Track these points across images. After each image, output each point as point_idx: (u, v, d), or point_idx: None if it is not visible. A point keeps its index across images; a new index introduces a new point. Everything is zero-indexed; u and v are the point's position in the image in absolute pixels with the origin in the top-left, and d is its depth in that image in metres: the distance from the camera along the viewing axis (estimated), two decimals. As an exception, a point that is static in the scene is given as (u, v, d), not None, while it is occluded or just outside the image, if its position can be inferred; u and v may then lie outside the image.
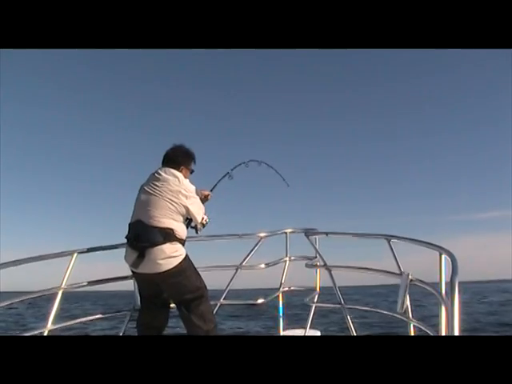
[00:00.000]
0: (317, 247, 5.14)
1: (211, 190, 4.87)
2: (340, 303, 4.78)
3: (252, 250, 5.08)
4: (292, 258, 5.28)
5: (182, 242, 4.05)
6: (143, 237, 3.90)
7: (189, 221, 4.30)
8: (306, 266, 5.27)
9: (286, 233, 5.24)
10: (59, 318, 4.19)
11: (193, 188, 4.18)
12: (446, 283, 3.18)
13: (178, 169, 4.21)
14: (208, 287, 4.18)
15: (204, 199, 4.60)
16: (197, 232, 4.47)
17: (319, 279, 5.28)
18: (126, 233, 4.06)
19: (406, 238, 4.13)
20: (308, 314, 5.22)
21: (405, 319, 3.81)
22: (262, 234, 5.10)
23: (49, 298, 4.20)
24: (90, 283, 4.49)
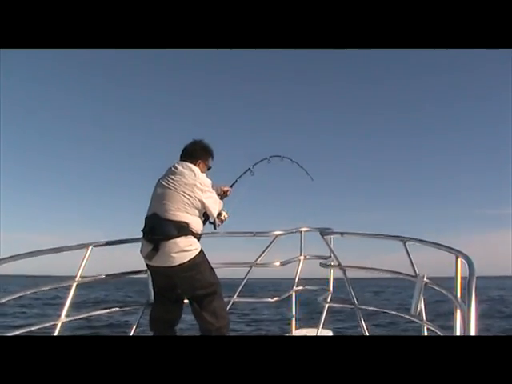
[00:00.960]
0: (331, 247, 5.12)
1: (231, 186, 4.86)
2: (353, 303, 4.76)
3: (267, 248, 5.08)
4: (306, 256, 5.28)
5: (198, 236, 4.05)
6: (158, 230, 3.92)
7: (207, 216, 4.30)
8: (321, 265, 5.26)
9: (300, 232, 5.23)
10: (74, 308, 4.23)
11: (209, 182, 4.17)
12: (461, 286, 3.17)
13: (195, 163, 4.21)
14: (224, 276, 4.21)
15: (223, 195, 4.61)
16: (215, 228, 4.48)
17: (332, 279, 5.27)
18: (143, 226, 4.08)
19: (422, 241, 4.09)
20: (321, 314, 5.20)
21: (419, 322, 3.78)
22: (277, 232, 5.09)
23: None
24: (105, 277, 4.52)
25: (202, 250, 4.06)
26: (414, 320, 3.83)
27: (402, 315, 4.17)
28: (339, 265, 4.94)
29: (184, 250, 3.90)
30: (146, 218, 4.09)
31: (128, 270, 4.67)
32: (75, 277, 4.20)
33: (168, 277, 4.03)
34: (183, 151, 4.33)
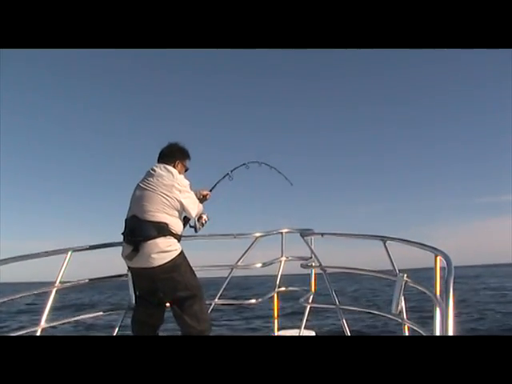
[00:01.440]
0: (312, 247, 5.15)
1: (210, 190, 4.86)
2: (335, 304, 4.79)
3: (247, 250, 5.09)
4: (287, 258, 5.30)
5: (178, 237, 4.05)
6: (137, 231, 3.92)
7: (187, 219, 4.32)
8: (302, 266, 5.28)
9: (281, 233, 5.25)
10: (54, 313, 4.19)
11: (187, 183, 4.18)
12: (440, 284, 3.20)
13: (172, 164, 4.23)
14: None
15: (203, 199, 4.60)
16: (196, 231, 4.48)
17: (314, 280, 5.29)
18: (123, 229, 4.06)
19: (401, 239, 4.13)
20: (303, 315, 5.22)
21: (400, 320, 3.81)
22: (258, 234, 5.11)
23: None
24: (85, 282, 4.48)
25: (182, 251, 4.06)
26: (395, 319, 3.86)
27: (384, 314, 4.20)
28: (320, 265, 4.97)
29: (164, 250, 3.89)
30: (125, 221, 4.08)
31: (108, 275, 4.63)
32: (54, 282, 4.16)
33: (149, 279, 4.00)
34: (160, 154, 4.35)
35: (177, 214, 4.07)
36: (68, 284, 4.35)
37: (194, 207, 4.19)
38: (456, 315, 2.48)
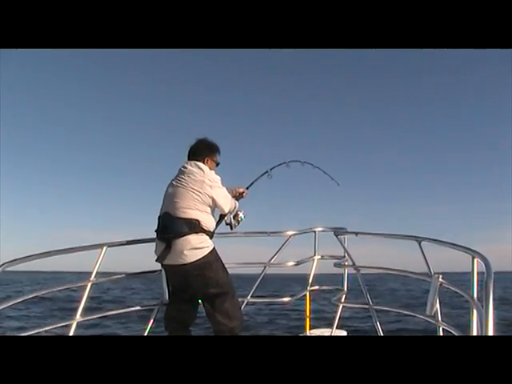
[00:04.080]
0: (345, 246, 5.11)
1: (247, 188, 4.86)
2: (367, 303, 4.74)
3: (281, 248, 5.08)
4: (321, 256, 5.27)
5: (210, 234, 4.04)
6: (169, 228, 3.94)
7: (222, 216, 4.33)
8: (335, 265, 5.25)
9: (314, 231, 5.22)
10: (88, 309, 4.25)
11: (218, 178, 4.16)
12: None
13: (202, 161, 4.23)
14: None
15: (239, 196, 4.63)
16: (232, 228, 4.48)
17: (347, 278, 5.25)
18: (156, 227, 4.09)
19: (437, 240, 4.07)
20: (335, 314, 5.19)
21: (434, 322, 3.76)
22: (291, 232, 5.10)
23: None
24: (119, 277, 4.54)
25: (214, 248, 4.05)
26: (430, 320, 3.81)
27: (418, 315, 4.14)
28: (353, 265, 4.93)
29: (195, 247, 3.90)
30: (158, 218, 4.11)
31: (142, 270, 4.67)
32: (90, 276, 4.23)
33: (181, 275, 4.01)
34: (189, 152, 4.36)
35: (209, 210, 4.07)
36: (103, 279, 4.41)
37: (226, 202, 4.18)
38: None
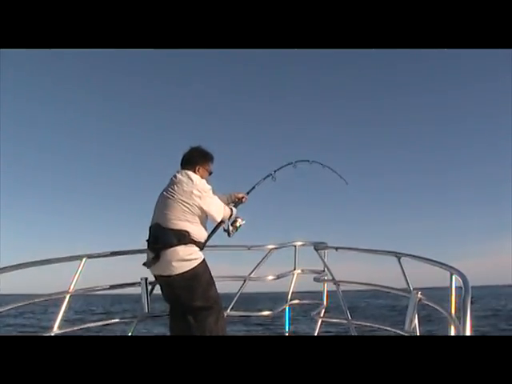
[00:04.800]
0: (325, 261, 5.12)
1: (248, 193, 4.81)
2: (347, 319, 4.75)
3: (261, 262, 5.07)
4: (300, 271, 5.27)
5: (200, 245, 4.02)
6: (159, 239, 3.92)
7: (220, 223, 4.28)
8: (315, 279, 5.25)
9: (295, 246, 5.23)
10: (66, 321, 4.20)
11: (208, 187, 4.11)
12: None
13: (194, 169, 4.20)
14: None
15: (238, 202, 4.58)
16: (229, 235, 4.42)
17: (326, 293, 5.26)
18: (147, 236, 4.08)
19: (417, 257, 4.10)
20: (314, 328, 5.19)
21: (413, 338, 3.77)
22: (271, 246, 5.09)
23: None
24: (98, 289, 4.50)
25: (204, 260, 4.03)
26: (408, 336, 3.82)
27: (397, 331, 4.16)
28: (333, 279, 4.94)
29: (184, 259, 3.88)
30: (149, 228, 4.09)
31: (122, 283, 4.63)
32: (68, 288, 4.18)
33: (170, 287, 4.02)
34: (182, 159, 4.32)
35: (199, 220, 4.04)
36: (81, 291, 4.37)
37: (217, 210, 4.15)
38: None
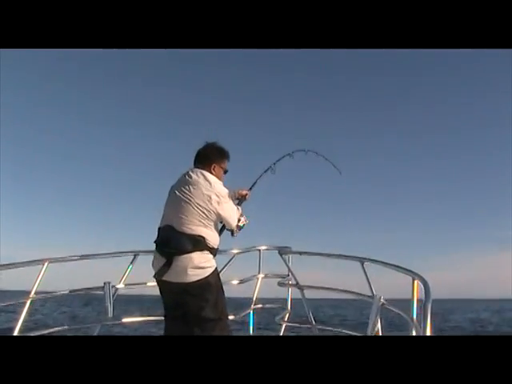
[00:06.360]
0: (290, 266, 5.15)
1: (250, 189, 4.63)
2: (311, 323, 4.79)
3: (225, 266, 5.06)
4: (264, 275, 5.28)
5: (214, 251, 3.84)
6: (172, 243, 3.70)
7: (224, 224, 4.06)
8: (279, 284, 5.28)
9: (259, 250, 5.24)
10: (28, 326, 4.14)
11: (225, 192, 3.92)
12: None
13: (209, 167, 3.99)
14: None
15: (241, 199, 4.38)
16: (233, 235, 4.19)
17: (291, 298, 5.29)
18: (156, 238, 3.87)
19: (379, 261, 4.16)
20: (278, 333, 5.21)
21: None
22: (235, 251, 5.08)
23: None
24: (60, 293, 4.45)
25: (216, 268, 3.85)
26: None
27: (359, 335, 4.22)
28: (297, 284, 4.98)
29: (199, 266, 3.68)
30: (159, 229, 3.90)
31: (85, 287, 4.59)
32: (30, 293, 4.12)
33: (177, 294, 3.78)
34: (196, 156, 4.11)
35: (214, 225, 3.85)
36: (43, 295, 4.31)
37: (233, 217, 3.99)
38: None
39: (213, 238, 3.81)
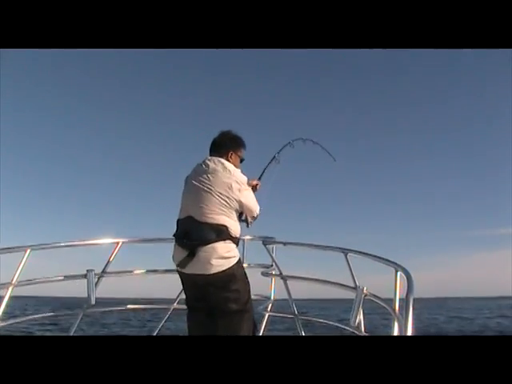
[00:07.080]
0: (274, 256, 5.15)
1: (259, 179, 4.57)
2: (294, 314, 4.80)
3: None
4: (247, 265, 5.27)
5: (236, 241, 3.78)
6: (194, 234, 3.62)
7: (239, 214, 3.96)
8: (262, 274, 5.26)
9: (243, 240, 5.22)
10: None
11: (245, 179, 3.87)
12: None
13: (226, 155, 3.93)
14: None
15: (253, 189, 4.24)
16: (248, 226, 4.13)
17: (273, 288, 5.29)
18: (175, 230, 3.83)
19: (363, 253, 4.17)
20: (261, 323, 5.21)
21: (357, 333, 3.85)
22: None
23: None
24: (42, 281, 4.40)
25: (240, 258, 3.82)
26: (354, 331, 3.90)
27: (342, 326, 4.24)
28: (280, 274, 4.98)
29: (223, 256, 3.62)
30: (178, 221, 3.83)
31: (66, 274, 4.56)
32: (11, 281, 4.08)
33: (201, 286, 3.70)
34: (212, 144, 4.05)
35: (235, 214, 3.80)
36: (24, 283, 4.27)
37: (255, 204, 3.93)
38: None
39: (235, 226, 3.76)
